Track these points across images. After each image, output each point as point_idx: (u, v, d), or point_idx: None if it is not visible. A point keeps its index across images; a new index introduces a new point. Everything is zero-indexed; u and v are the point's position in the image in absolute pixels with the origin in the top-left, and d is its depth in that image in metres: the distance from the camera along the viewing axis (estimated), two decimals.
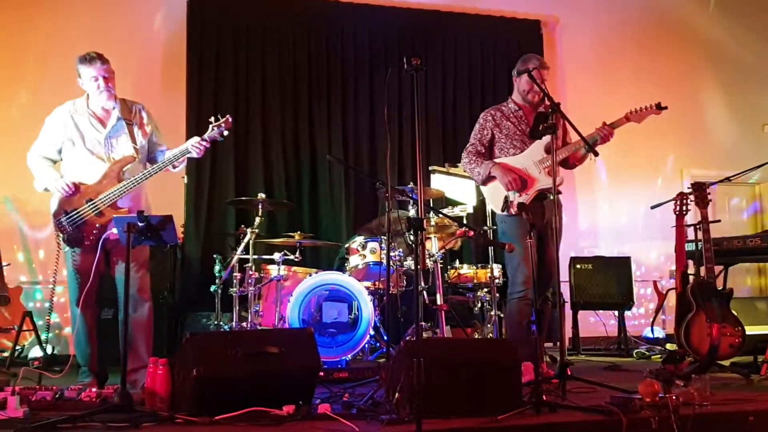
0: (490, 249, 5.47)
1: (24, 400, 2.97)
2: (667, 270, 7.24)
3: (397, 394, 2.79)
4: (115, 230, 3.40)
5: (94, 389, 3.14)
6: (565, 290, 6.15)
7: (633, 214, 7.52)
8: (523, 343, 3.59)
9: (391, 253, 4.65)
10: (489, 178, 4.16)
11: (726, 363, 4.08)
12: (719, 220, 5.08)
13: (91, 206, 3.70)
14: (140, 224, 3.15)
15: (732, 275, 5.40)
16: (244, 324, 4.87)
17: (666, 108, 4.07)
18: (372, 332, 4.75)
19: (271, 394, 2.88)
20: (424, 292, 4.85)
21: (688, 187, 4.37)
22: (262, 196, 5.04)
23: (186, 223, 6.27)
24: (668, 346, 5.59)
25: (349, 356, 4.63)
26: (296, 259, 5.06)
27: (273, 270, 4.91)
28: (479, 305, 5.42)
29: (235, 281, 4.95)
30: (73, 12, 6.29)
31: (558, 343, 5.00)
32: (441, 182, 6.02)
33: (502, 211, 4.07)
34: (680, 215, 4.24)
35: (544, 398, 2.90)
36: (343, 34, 6.98)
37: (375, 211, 6.36)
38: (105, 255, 3.77)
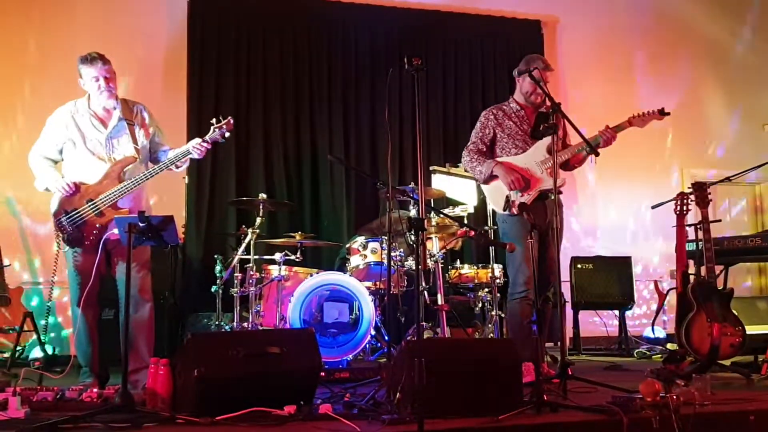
0: (491, 249, 5.47)
1: (25, 401, 2.96)
2: (668, 270, 7.23)
3: (398, 394, 2.78)
4: (116, 231, 3.41)
5: (95, 390, 3.14)
6: (566, 290, 6.15)
7: (633, 214, 7.54)
8: (524, 343, 3.59)
9: (392, 253, 4.64)
10: (491, 177, 4.14)
11: (726, 362, 4.08)
12: (719, 220, 5.08)
13: (92, 206, 3.70)
14: (141, 224, 3.15)
15: (732, 275, 5.40)
16: (245, 324, 4.88)
17: (668, 114, 4.10)
18: (373, 332, 4.75)
19: (272, 395, 2.88)
20: (425, 292, 4.86)
21: (689, 187, 4.38)
22: (263, 196, 5.04)
23: (187, 223, 6.27)
24: (669, 345, 5.60)
25: (351, 356, 4.63)
26: (297, 260, 5.06)
27: (274, 270, 4.91)
28: (480, 305, 5.43)
29: (236, 281, 4.95)
30: (74, 13, 6.30)
31: (559, 343, 5.00)
32: (442, 182, 6.03)
33: (504, 210, 4.06)
34: (681, 215, 4.25)
35: (545, 398, 2.90)
36: (344, 34, 6.99)
37: (376, 211, 6.38)
38: (106, 255, 3.77)
